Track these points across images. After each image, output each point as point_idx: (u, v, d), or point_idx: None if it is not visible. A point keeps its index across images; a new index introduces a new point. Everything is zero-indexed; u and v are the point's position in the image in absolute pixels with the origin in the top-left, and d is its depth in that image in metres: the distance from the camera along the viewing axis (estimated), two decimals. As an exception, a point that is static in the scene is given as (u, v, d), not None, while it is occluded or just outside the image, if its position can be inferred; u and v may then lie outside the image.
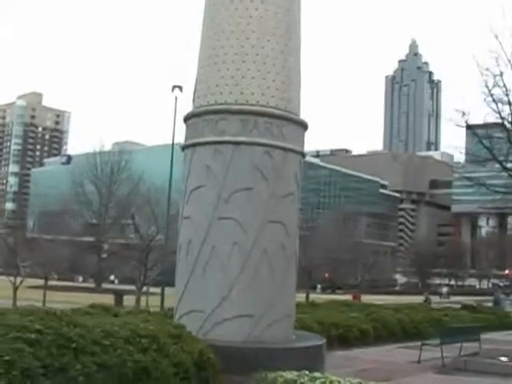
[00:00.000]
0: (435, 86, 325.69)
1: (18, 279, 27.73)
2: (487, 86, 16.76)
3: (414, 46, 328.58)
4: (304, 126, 14.16)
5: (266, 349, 12.19)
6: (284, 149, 13.33)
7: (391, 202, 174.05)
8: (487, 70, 16.80)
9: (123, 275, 68.61)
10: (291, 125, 13.63)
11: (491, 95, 16.77)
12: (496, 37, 16.90)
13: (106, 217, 62.26)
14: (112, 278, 74.90)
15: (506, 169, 17.55)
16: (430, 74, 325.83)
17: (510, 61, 16.69)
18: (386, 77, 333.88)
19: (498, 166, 18.07)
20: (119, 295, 37.22)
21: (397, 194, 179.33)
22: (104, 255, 61.93)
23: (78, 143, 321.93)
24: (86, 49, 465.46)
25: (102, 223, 61.71)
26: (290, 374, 10.29)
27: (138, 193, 34.24)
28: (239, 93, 13.29)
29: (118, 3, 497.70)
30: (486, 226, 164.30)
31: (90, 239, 60.98)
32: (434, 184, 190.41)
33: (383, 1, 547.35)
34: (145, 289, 36.63)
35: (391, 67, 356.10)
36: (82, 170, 64.10)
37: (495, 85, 16.66)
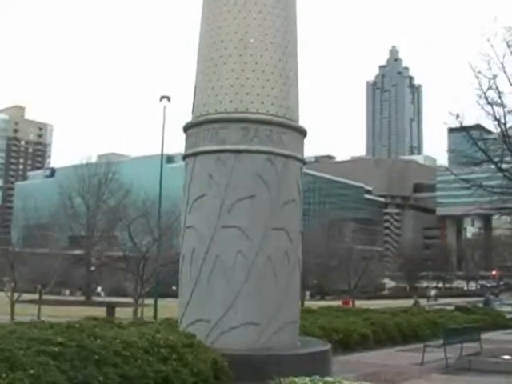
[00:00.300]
0: (416, 90, 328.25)
1: (12, 293, 27.51)
2: (482, 89, 17.02)
3: (394, 52, 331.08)
4: (303, 132, 14.25)
5: (275, 355, 12.21)
6: (285, 156, 13.42)
7: (376, 207, 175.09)
8: (479, 73, 17.04)
9: (110, 287, 68.46)
10: (291, 132, 13.73)
11: (486, 98, 17.03)
12: (488, 40, 17.15)
13: (94, 229, 62.01)
14: (99, 290, 74.50)
15: (501, 170, 17.79)
16: (411, 78, 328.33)
17: (502, 64, 16.98)
18: (367, 82, 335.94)
19: (492, 167, 18.26)
20: (111, 307, 37.18)
21: (381, 199, 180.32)
22: (92, 268, 61.63)
23: (59, 156, 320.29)
24: (65, 63, 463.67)
25: (91, 235, 61.46)
26: (303, 380, 10.36)
27: (127, 204, 34.17)
28: (239, 101, 13.36)
29: (99, 15, 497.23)
30: (471, 228, 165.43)
31: (79, 252, 60.73)
32: (417, 188, 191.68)
33: (363, 7, 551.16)
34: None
35: (372, 72, 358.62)
36: (68, 182, 63.81)
37: (490, 87, 16.91)
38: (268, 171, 13.12)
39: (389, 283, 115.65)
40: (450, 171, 19.88)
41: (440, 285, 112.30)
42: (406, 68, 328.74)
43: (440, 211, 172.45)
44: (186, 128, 14.24)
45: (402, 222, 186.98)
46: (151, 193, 41.07)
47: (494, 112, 17.03)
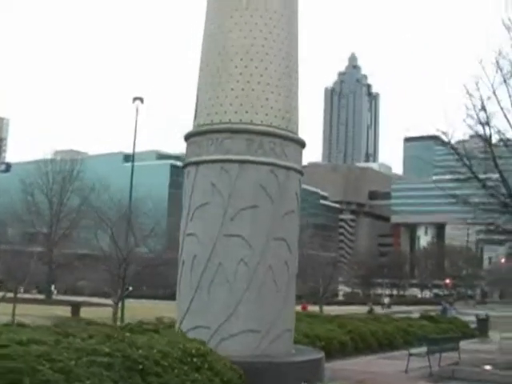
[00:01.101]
0: (373, 98, 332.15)
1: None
2: (475, 109, 17.67)
3: (353, 59, 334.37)
4: (303, 145, 14.62)
5: (275, 363, 12.50)
6: (287, 168, 13.76)
7: (332, 213, 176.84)
8: (468, 94, 17.67)
9: (66, 286, 67.51)
10: (292, 144, 14.09)
11: (478, 118, 17.69)
12: (480, 62, 17.80)
13: (57, 227, 61.28)
14: (52, 288, 73.37)
15: (484, 186, 18.46)
16: (369, 86, 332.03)
17: (492, 85, 17.66)
18: (326, 88, 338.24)
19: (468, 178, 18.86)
20: (76, 307, 36.90)
21: (337, 205, 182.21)
22: (53, 266, 60.84)
23: (13, 151, 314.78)
24: (27, 60, 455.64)
25: (54, 233, 60.74)
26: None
27: (110, 206, 34.24)
28: (244, 112, 13.60)
29: (66, 8, 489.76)
30: (424, 237, 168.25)
31: (39, 249, 59.98)
32: (373, 195, 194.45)
33: (323, 14, 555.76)
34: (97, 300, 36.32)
35: (331, 79, 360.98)
36: (30, 178, 62.85)
37: (482, 108, 17.56)
38: (271, 182, 13.42)
39: (343, 289, 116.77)
40: (435, 185, 20.39)
41: (394, 292, 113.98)
42: (365, 76, 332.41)
43: (394, 219, 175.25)
44: (188, 136, 14.40)
45: (356, 228, 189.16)
46: (111, 191, 41.16)
47: (484, 131, 17.75)
